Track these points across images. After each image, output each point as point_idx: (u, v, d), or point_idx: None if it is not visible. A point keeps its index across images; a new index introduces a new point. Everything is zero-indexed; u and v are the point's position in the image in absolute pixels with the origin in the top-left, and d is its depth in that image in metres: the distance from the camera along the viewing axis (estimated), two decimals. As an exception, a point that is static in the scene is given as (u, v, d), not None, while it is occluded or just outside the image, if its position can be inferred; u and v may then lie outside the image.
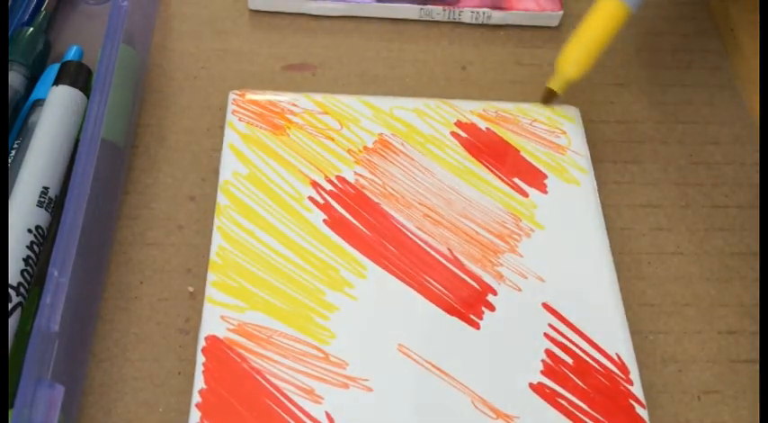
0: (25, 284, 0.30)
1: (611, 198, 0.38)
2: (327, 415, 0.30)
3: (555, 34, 0.43)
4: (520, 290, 0.33)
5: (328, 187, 0.35)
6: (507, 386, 0.31)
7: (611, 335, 0.32)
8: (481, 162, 0.37)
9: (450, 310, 0.32)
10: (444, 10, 0.43)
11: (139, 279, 0.34)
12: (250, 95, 0.38)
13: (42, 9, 0.39)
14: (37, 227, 0.31)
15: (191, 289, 0.34)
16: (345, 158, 0.36)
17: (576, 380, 0.31)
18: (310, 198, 0.35)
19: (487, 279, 0.33)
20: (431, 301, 0.33)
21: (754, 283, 0.36)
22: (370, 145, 0.37)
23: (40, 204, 0.31)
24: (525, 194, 0.36)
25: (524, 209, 0.35)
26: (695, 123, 0.41)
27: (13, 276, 0.29)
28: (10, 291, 0.29)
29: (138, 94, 0.38)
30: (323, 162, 0.36)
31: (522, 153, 0.37)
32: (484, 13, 0.43)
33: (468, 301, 0.33)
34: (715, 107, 0.41)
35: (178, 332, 0.33)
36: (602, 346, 0.32)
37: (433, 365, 0.31)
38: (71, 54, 0.37)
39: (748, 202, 0.38)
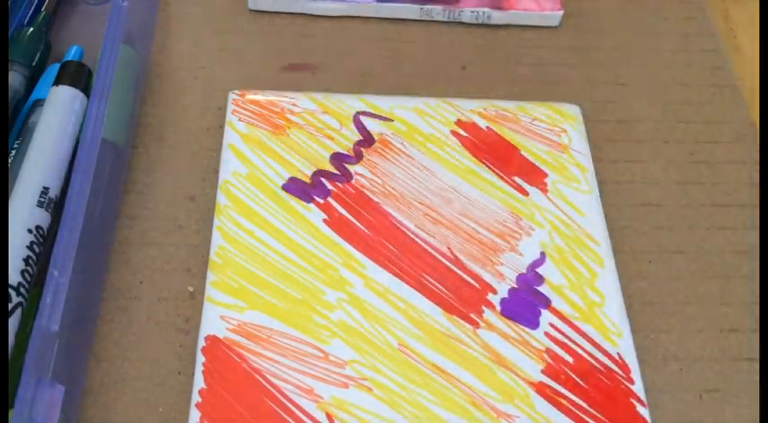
0: (25, 284, 0.30)
1: (612, 197, 0.38)
2: (327, 415, 0.30)
3: (555, 34, 0.43)
4: (520, 289, 0.33)
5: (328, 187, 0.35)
6: (507, 386, 0.31)
7: (612, 334, 0.32)
8: (481, 161, 0.37)
9: (451, 310, 0.32)
10: (444, 10, 0.43)
11: (139, 279, 0.34)
12: (250, 95, 0.38)
13: (42, 9, 0.39)
14: (37, 227, 0.31)
15: (190, 289, 0.34)
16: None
17: (577, 379, 0.31)
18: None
19: (488, 278, 0.33)
20: (431, 300, 0.32)
21: (755, 282, 0.36)
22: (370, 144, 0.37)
23: (40, 204, 0.31)
24: (525, 193, 0.36)
25: (525, 208, 0.35)
26: (695, 122, 0.41)
27: (14, 276, 0.29)
28: (10, 291, 0.29)
29: (138, 94, 0.38)
30: (323, 162, 0.36)
31: (523, 152, 0.37)
32: (484, 12, 0.43)
33: (468, 301, 0.33)
34: (715, 107, 0.41)
35: (178, 332, 0.32)
36: (603, 346, 0.32)
37: (433, 365, 0.31)
38: (71, 54, 0.37)
39: (749, 201, 0.38)
